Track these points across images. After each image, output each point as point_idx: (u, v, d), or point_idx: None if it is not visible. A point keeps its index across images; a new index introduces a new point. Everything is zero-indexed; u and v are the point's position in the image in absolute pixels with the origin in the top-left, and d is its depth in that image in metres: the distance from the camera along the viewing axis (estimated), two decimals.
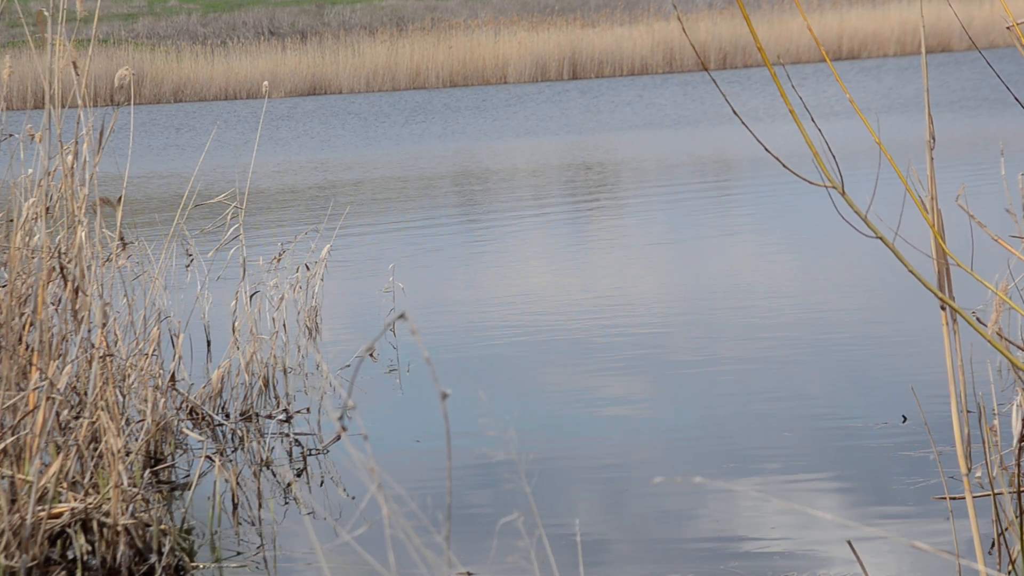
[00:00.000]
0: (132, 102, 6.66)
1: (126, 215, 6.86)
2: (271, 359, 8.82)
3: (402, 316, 2.31)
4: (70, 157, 6.55)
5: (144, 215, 17.64)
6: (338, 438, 7.88)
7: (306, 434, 8.07)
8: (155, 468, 7.45)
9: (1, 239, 6.61)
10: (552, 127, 30.82)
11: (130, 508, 6.07)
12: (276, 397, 8.81)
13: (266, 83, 8.33)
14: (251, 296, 8.90)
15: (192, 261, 9.10)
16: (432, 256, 14.26)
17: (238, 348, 8.51)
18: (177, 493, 7.19)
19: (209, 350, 9.97)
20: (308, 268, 9.88)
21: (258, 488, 7.11)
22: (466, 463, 7.32)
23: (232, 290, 9.02)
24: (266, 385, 8.71)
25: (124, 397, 7.39)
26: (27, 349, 6.31)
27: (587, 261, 13.64)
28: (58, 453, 6.18)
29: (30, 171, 6.72)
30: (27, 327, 6.34)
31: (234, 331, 8.65)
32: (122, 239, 7.06)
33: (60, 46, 6.49)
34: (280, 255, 9.45)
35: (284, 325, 9.84)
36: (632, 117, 31.96)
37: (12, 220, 6.59)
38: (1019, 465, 4.77)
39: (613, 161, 23.74)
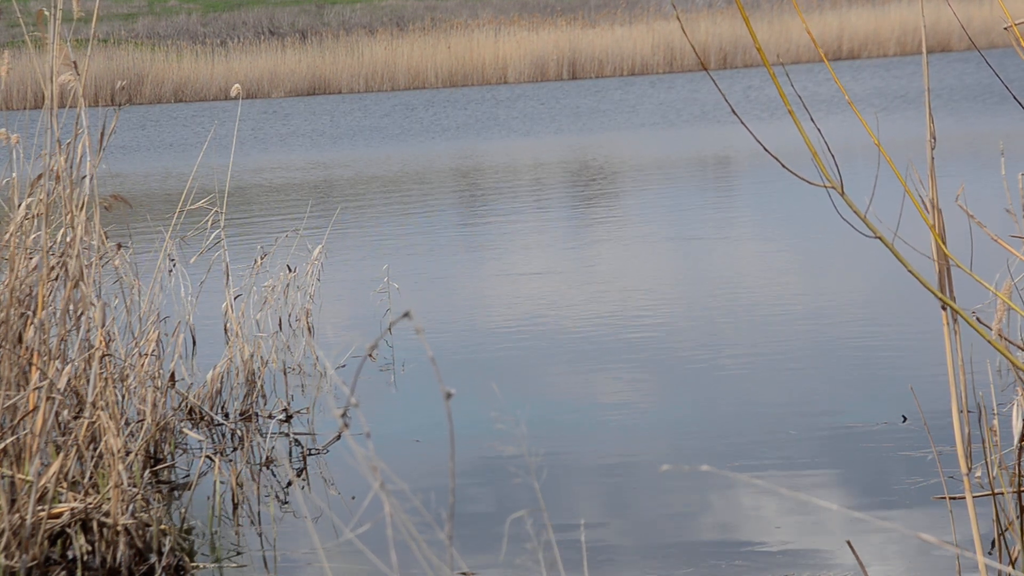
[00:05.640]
0: (82, 105, 6.59)
1: (121, 215, 6.86)
2: (262, 359, 8.81)
3: (407, 315, 2.31)
4: (63, 158, 6.55)
5: (138, 215, 17.64)
6: (339, 437, 7.88)
7: (306, 434, 8.07)
8: (155, 468, 7.45)
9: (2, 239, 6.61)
10: (552, 127, 30.82)
11: (130, 508, 6.07)
12: (265, 396, 8.80)
13: (237, 86, 8.32)
14: (235, 298, 8.92)
15: (175, 265, 9.12)
16: (429, 255, 14.25)
17: (235, 349, 8.51)
18: (177, 493, 7.19)
19: (195, 349, 9.97)
20: (291, 269, 9.87)
21: (258, 488, 7.11)
22: (466, 462, 7.32)
23: (230, 292, 9.02)
24: (255, 385, 8.69)
25: (124, 397, 7.39)
26: (27, 349, 6.30)
27: (586, 261, 13.63)
28: (58, 453, 6.18)
29: (15, 174, 6.71)
30: (27, 327, 6.34)
31: (226, 332, 8.66)
32: (106, 238, 7.06)
33: (59, 46, 6.49)
34: (262, 257, 9.45)
35: (280, 325, 9.84)
36: (632, 116, 31.95)
37: (4, 220, 6.59)
38: (1019, 465, 4.77)
39: (613, 160, 23.74)
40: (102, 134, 6.66)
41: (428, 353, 2.25)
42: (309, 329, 10.27)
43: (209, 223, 9.01)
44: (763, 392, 8.40)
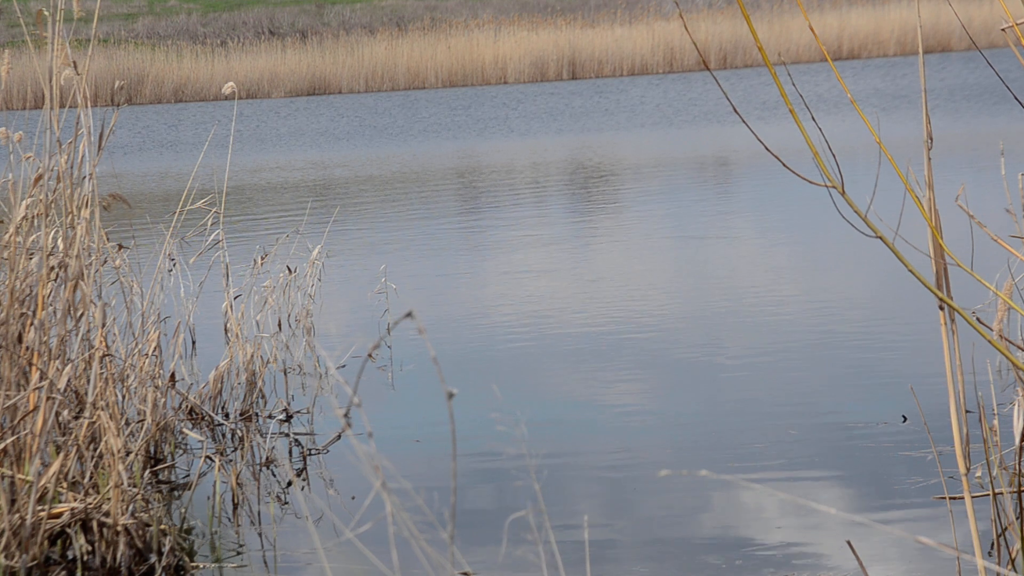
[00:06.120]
0: (82, 104, 6.60)
1: (120, 215, 6.87)
2: (262, 359, 8.81)
3: (409, 315, 2.31)
4: (65, 157, 6.55)
5: (138, 215, 17.63)
6: (339, 437, 7.88)
7: (306, 434, 8.07)
8: (155, 468, 7.45)
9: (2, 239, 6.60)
10: (552, 127, 30.82)
11: (130, 508, 6.07)
12: (265, 397, 8.80)
13: (231, 84, 8.30)
14: (235, 298, 8.92)
15: (175, 265, 9.12)
16: (429, 255, 14.25)
17: (235, 349, 8.51)
18: (177, 493, 7.19)
19: (195, 349, 9.98)
20: (291, 270, 9.87)
21: (258, 488, 7.11)
22: (466, 463, 7.32)
23: (230, 292, 9.02)
24: (255, 385, 8.70)
25: (124, 397, 7.39)
26: (27, 349, 6.30)
27: (586, 261, 13.63)
28: (58, 453, 6.18)
29: (11, 175, 6.72)
30: (27, 327, 6.34)
31: (226, 331, 8.65)
32: (107, 238, 7.06)
33: (59, 46, 6.49)
34: (263, 258, 9.45)
35: (280, 325, 9.84)
36: (632, 116, 31.95)
37: (3, 221, 6.59)
38: (1019, 465, 4.77)
39: (613, 160, 23.74)
40: (102, 134, 6.66)
41: (431, 353, 2.25)
42: (309, 329, 10.27)
43: (208, 223, 9.01)
44: (763, 392, 8.40)
